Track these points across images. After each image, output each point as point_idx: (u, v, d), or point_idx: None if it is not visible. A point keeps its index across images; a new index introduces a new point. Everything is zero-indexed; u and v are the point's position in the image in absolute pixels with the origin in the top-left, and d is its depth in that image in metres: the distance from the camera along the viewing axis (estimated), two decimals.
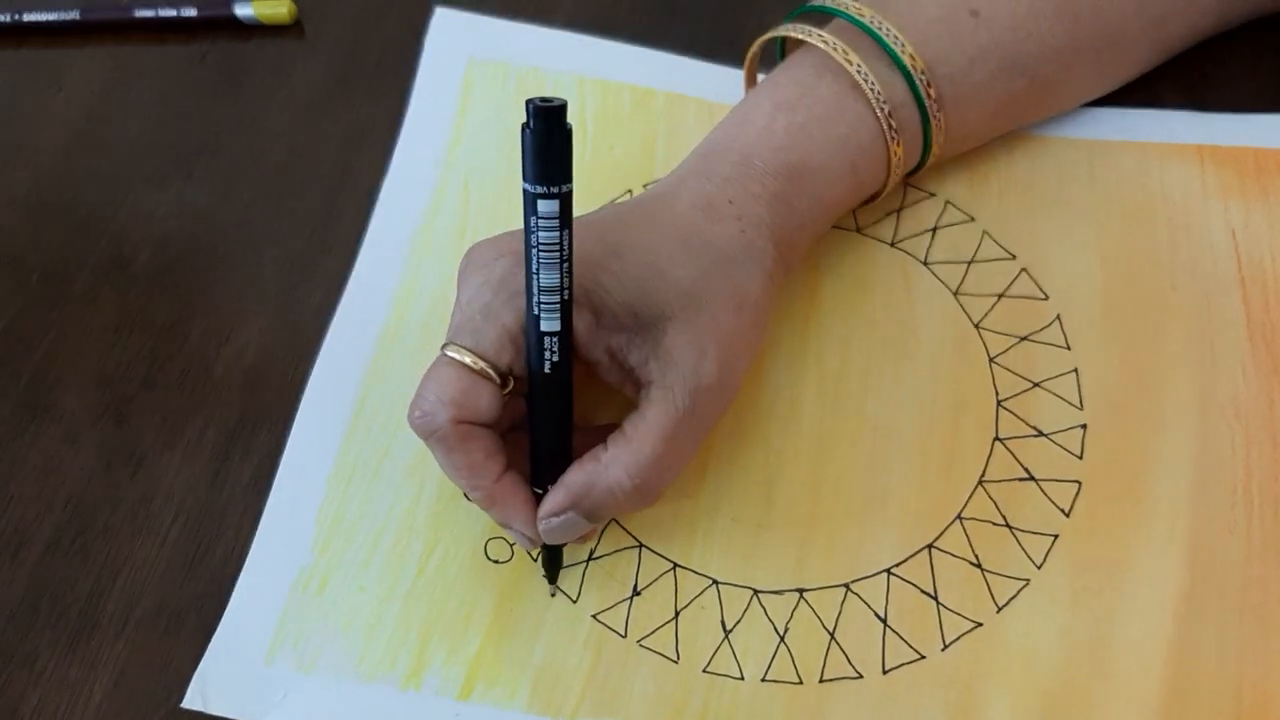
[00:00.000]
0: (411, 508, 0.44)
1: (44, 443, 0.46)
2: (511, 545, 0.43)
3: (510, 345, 0.38)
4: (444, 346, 0.39)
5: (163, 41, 0.56)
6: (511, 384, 0.39)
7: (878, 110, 0.44)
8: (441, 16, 0.55)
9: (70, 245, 0.50)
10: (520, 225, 0.37)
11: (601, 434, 0.39)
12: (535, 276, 0.37)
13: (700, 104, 0.52)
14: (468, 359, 0.38)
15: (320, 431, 0.45)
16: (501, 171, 0.51)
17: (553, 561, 0.42)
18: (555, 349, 0.38)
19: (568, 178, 0.36)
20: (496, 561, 0.43)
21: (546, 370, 0.38)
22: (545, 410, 0.39)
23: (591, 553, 0.43)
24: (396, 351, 0.47)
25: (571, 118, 0.52)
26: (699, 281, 0.39)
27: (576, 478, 0.38)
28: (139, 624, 0.42)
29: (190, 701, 0.40)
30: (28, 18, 0.56)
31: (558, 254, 0.36)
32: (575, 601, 0.42)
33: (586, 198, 0.50)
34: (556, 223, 0.36)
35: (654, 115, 0.52)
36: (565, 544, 0.41)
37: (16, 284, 0.49)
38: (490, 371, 0.38)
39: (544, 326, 0.37)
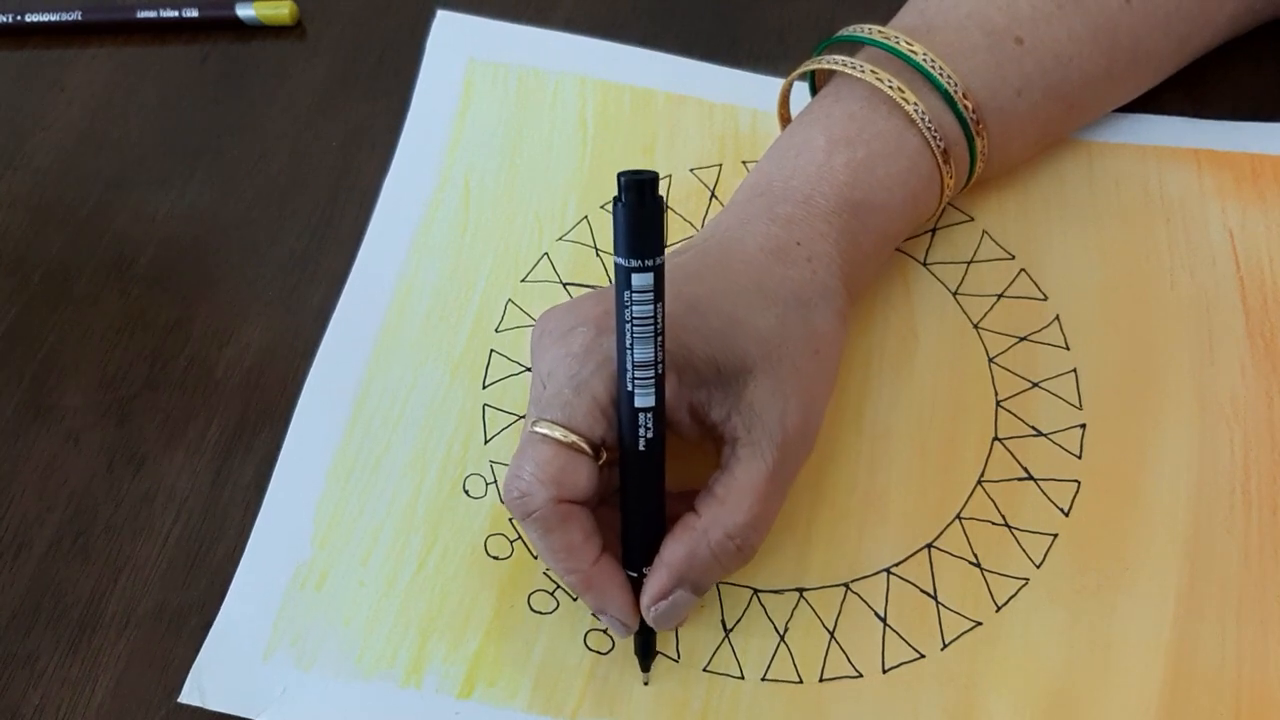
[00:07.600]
0: (411, 503, 0.44)
1: (46, 442, 0.46)
2: (512, 542, 0.43)
3: (603, 418, 0.37)
4: (533, 423, 0.37)
5: (164, 42, 0.57)
6: (604, 456, 0.37)
7: (934, 146, 0.43)
8: (443, 18, 0.55)
9: (72, 246, 0.51)
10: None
11: (681, 501, 0.38)
12: (629, 352, 0.35)
13: (700, 104, 0.53)
14: (559, 434, 0.36)
15: (320, 426, 0.45)
16: (501, 172, 0.51)
17: (646, 647, 0.40)
18: (650, 425, 0.36)
19: (660, 249, 0.34)
20: (496, 558, 0.43)
21: (641, 447, 0.36)
22: (640, 488, 0.37)
23: None
24: (397, 348, 0.47)
25: (571, 118, 0.53)
26: (778, 329, 0.38)
27: (676, 552, 0.37)
28: (140, 623, 0.42)
29: (188, 696, 0.40)
30: (30, 18, 0.56)
31: (652, 327, 0.35)
32: (575, 600, 0.42)
33: (586, 199, 0.50)
34: (651, 295, 0.35)
35: (654, 115, 0.52)
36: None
37: (19, 284, 0.50)
38: (584, 446, 0.36)
39: (639, 403, 0.36)
